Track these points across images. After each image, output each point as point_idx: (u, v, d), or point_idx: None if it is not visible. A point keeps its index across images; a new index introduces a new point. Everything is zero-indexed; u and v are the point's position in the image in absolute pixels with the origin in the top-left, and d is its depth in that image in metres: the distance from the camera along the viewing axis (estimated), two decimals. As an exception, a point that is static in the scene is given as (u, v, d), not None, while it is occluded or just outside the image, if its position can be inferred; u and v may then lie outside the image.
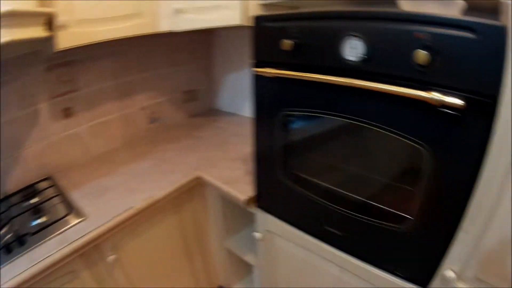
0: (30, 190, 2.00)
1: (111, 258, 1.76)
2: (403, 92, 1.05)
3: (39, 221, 1.71)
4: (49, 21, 1.55)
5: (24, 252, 1.50)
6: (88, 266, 1.69)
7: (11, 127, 1.93)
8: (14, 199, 1.91)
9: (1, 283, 1.36)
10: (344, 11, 1.20)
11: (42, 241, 1.56)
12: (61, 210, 1.80)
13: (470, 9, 1.08)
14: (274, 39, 1.37)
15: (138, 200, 1.85)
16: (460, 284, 1.20)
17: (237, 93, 3.05)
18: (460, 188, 1.10)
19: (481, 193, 1.05)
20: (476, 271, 1.16)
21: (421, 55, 0.98)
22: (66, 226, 1.66)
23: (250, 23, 1.49)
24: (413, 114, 1.10)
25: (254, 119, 1.65)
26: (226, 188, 1.98)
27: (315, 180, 1.63)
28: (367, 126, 1.24)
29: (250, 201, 1.89)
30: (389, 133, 1.18)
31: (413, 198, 1.24)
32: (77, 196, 1.92)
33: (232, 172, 2.13)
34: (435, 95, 0.98)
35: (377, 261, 1.47)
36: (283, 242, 1.88)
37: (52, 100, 2.08)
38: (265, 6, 1.73)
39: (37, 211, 1.78)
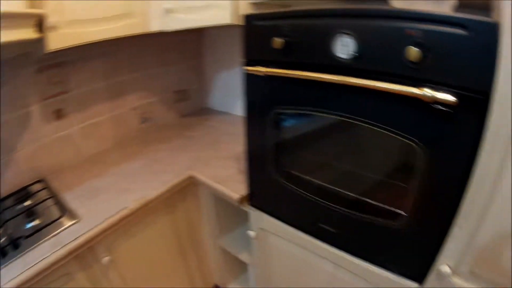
0: (23, 193, 1.99)
1: (105, 259, 1.75)
2: (395, 89, 1.05)
3: (32, 224, 1.71)
4: (40, 22, 1.54)
5: (18, 255, 1.49)
6: (83, 268, 1.69)
7: (2, 129, 1.92)
8: (7, 202, 1.90)
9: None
10: (335, 8, 1.20)
11: (36, 244, 1.56)
12: (54, 212, 1.79)
13: (462, 6, 1.08)
14: (265, 38, 1.37)
15: (131, 201, 1.85)
16: (455, 279, 1.21)
17: (229, 92, 3.04)
18: (454, 184, 1.10)
19: (474, 189, 1.06)
20: (471, 265, 1.16)
21: (413, 52, 0.99)
22: (60, 228, 1.66)
23: (240, 22, 1.48)
24: (406, 111, 1.10)
25: (246, 118, 1.66)
26: (219, 187, 1.98)
27: (308, 177, 1.64)
28: (359, 123, 1.24)
29: (243, 199, 1.90)
30: (382, 130, 1.19)
31: (406, 194, 1.24)
32: (69, 198, 1.91)
33: (225, 171, 2.13)
34: (427, 92, 0.98)
35: (372, 257, 1.47)
36: (277, 240, 1.89)
37: (44, 102, 2.07)
38: (255, 4, 1.73)
39: (30, 213, 1.77)
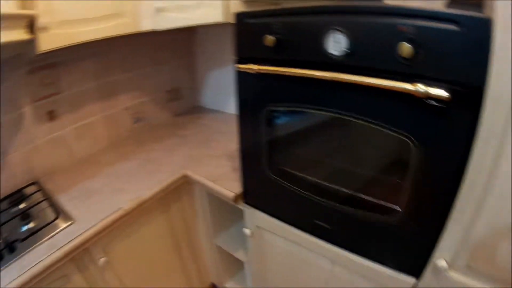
0: (17, 196, 1.98)
1: (101, 260, 1.75)
2: (387, 85, 1.06)
3: (28, 226, 1.70)
4: (31, 23, 1.54)
5: (15, 259, 1.49)
6: (80, 269, 1.69)
7: (-4, 132, 1.91)
8: (2, 206, 1.89)
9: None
10: (327, 6, 1.20)
11: (32, 247, 1.55)
12: (49, 214, 1.78)
13: (454, 2, 1.09)
14: (257, 36, 1.37)
15: (126, 201, 1.85)
16: (452, 273, 1.22)
17: (221, 90, 3.04)
18: (448, 179, 1.11)
19: (469, 183, 1.06)
20: (467, 259, 1.17)
21: (405, 48, 0.99)
22: (55, 230, 1.65)
23: (232, 20, 1.48)
24: (399, 107, 1.11)
25: (239, 116, 1.66)
26: (214, 185, 1.98)
27: (302, 174, 1.64)
28: (353, 120, 1.25)
29: (238, 197, 1.90)
30: (375, 127, 1.19)
31: (401, 190, 1.25)
32: (64, 200, 1.91)
33: (219, 169, 2.13)
34: (420, 87, 0.98)
35: (368, 253, 1.48)
36: (273, 237, 1.89)
37: (36, 103, 2.06)
38: (247, 2, 1.73)
39: (25, 216, 1.76)
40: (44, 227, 1.67)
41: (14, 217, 1.76)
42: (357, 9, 1.12)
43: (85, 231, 1.65)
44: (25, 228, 1.69)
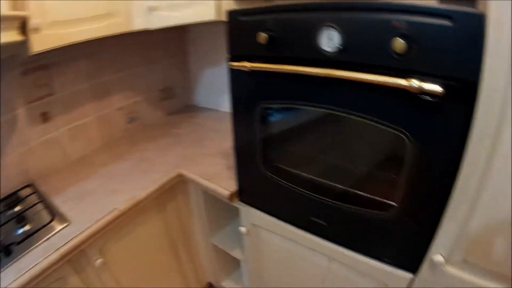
0: (12, 199, 1.97)
1: (98, 262, 1.75)
2: (381, 81, 1.06)
3: (23, 229, 1.69)
4: (23, 25, 1.53)
5: (11, 262, 1.48)
6: (76, 271, 1.68)
7: (-10, 135, 1.90)
8: (-3, 209, 1.89)
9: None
10: (320, 2, 1.20)
11: (28, 250, 1.55)
12: (44, 216, 1.77)
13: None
14: (250, 33, 1.37)
15: (121, 201, 1.84)
16: (448, 268, 1.23)
17: (214, 88, 3.04)
18: (444, 174, 1.12)
19: (464, 178, 1.07)
20: (463, 254, 1.18)
21: (399, 43, 0.99)
22: (51, 232, 1.65)
23: (224, 18, 1.48)
24: (393, 103, 1.11)
25: (233, 114, 1.66)
26: (209, 184, 1.98)
27: (297, 171, 1.65)
28: (347, 116, 1.25)
29: (233, 195, 1.90)
30: (370, 122, 1.19)
31: (396, 185, 1.25)
32: (59, 202, 1.90)
33: (213, 167, 2.13)
34: (414, 83, 0.99)
35: (365, 249, 1.49)
36: (269, 235, 1.89)
37: (29, 105, 2.05)
38: (239, 0, 1.72)
39: (21, 219, 1.75)
40: (39, 229, 1.67)
41: (9, 220, 1.75)
42: (350, 6, 1.12)
43: (81, 232, 1.64)
44: (20, 231, 1.69)
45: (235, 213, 2.04)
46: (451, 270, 1.23)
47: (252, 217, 1.91)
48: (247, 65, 1.41)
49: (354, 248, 1.52)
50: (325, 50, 1.19)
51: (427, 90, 0.98)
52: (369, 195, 1.43)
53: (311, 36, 1.20)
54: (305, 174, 1.62)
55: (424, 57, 0.99)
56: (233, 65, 1.47)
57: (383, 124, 1.17)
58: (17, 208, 1.87)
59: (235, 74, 1.55)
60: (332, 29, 1.14)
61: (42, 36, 1.62)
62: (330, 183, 1.54)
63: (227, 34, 1.49)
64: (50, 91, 2.14)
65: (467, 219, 1.11)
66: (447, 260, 1.22)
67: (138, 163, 2.27)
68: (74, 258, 1.64)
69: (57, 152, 2.27)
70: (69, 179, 2.13)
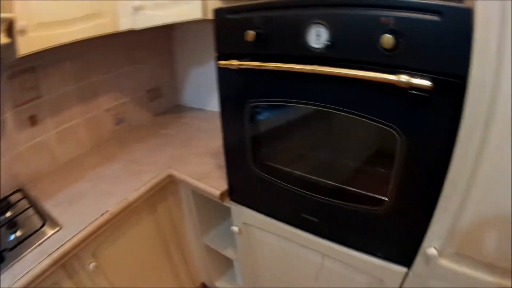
0: (3, 204, 1.94)
1: (91, 265, 1.74)
2: (370, 76, 1.06)
3: (15, 235, 1.69)
4: (9, 27, 1.52)
5: (4, 269, 1.47)
6: (70, 276, 1.68)
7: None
8: (-12, 215, 1.87)
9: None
10: (307, -1, 1.21)
11: (21, 256, 1.53)
12: (35, 221, 1.76)
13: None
14: (237, 31, 1.37)
15: (112, 204, 1.84)
16: (442, 261, 1.24)
17: (201, 88, 3.04)
18: (434, 168, 1.12)
19: (455, 171, 1.08)
20: (456, 247, 1.19)
21: (387, 39, 1.00)
22: (43, 238, 1.63)
23: (211, 16, 1.48)
24: (383, 98, 1.12)
25: (222, 113, 1.65)
26: (199, 184, 1.98)
27: (287, 169, 1.65)
28: (337, 112, 1.25)
29: (224, 195, 1.90)
30: (360, 118, 1.20)
31: (387, 180, 1.26)
32: (50, 206, 1.89)
33: (203, 167, 2.13)
34: (403, 77, 0.99)
35: (358, 244, 1.49)
36: (261, 234, 1.89)
37: (17, 109, 2.03)
38: (225, -1, 1.73)
39: (12, 225, 1.74)
40: (31, 235, 1.65)
41: (1, 226, 1.73)
42: (338, 2, 1.12)
43: (73, 236, 1.63)
44: (12, 237, 1.68)
45: (227, 212, 2.04)
46: (445, 263, 1.24)
47: (243, 216, 1.91)
48: (235, 63, 1.41)
49: (347, 244, 1.52)
50: (313, 47, 1.19)
51: (415, 84, 0.98)
52: (360, 191, 1.43)
53: (299, 33, 1.20)
54: (296, 172, 1.62)
55: (413, 52, 1.00)
56: (221, 64, 1.46)
57: (373, 120, 1.17)
58: (8, 214, 1.86)
59: (223, 73, 1.54)
60: (320, 25, 1.14)
61: (28, 38, 1.60)
62: (321, 179, 1.54)
63: (214, 32, 1.48)
64: (37, 94, 2.13)
65: (459, 212, 1.12)
66: (441, 253, 1.22)
67: (127, 164, 2.27)
68: (68, 262, 1.63)
69: (46, 155, 2.25)
70: (59, 183, 2.11)
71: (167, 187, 2.17)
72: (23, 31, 1.57)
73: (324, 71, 1.16)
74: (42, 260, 1.51)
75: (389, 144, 1.18)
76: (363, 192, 1.42)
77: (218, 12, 1.44)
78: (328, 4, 1.14)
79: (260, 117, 1.58)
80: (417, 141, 1.11)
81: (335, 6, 1.12)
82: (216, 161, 2.14)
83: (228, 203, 1.94)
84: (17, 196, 2.02)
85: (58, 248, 1.57)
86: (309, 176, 1.58)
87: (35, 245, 1.59)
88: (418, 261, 1.31)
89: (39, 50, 1.67)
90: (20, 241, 1.61)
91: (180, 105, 3.30)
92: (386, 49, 1.02)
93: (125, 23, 2.06)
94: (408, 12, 0.97)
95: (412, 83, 0.98)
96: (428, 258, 1.25)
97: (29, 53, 1.62)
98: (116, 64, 2.61)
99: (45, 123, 2.21)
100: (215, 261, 2.61)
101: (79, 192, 2.00)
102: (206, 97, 3.02)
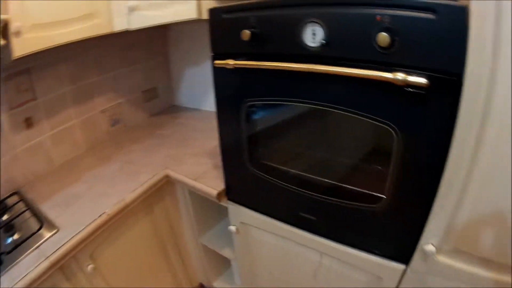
0: (-1, 208, 1.94)
1: (89, 267, 1.74)
2: (366, 75, 1.06)
3: (12, 238, 1.68)
4: (4, 29, 1.51)
5: (2, 272, 1.46)
6: (68, 278, 1.67)
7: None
8: (-15, 219, 1.86)
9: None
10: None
11: (19, 259, 1.53)
12: (33, 224, 1.75)
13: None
14: (233, 30, 1.36)
15: (109, 205, 1.83)
16: (440, 257, 1.24)
17: (196, 88, 3.04)
18: (431, 165, 1.13)
19: (452, 168, 1.08)
20: (454, 243, 1.19)
21: (383, 37, 1.00)
22: (40, 240, 1.63)
23: (206, 16, 1.48)
24: (380, 96, 1.12)
25: (218, 112, 1.65)
26: (196, 184, 1.97)
27: (284, 168, 1.65)
28: (333, 110, 1.25)
29: (221, 194, 1.90)
30: (356, 116, 1.20)
31: (384, 177, 1.26)
32: (46, 208, 1.88)
33: (199, 167, 2.13)
34: (399, 75, 0.99)
35: (356, 242, 1.49)
36: (259, 233, 1.89)
37: (13, 111, 2.02)
38: (220, -1, 1.72)
39: (9, 228, 1.73)
40: (29, 237, 1.65)
41: (-2, 230, 1.73)
42: (333, 1, 1.12)
43: (70, 238, 1.63)
44: (9, 240, 1.67)
45: (224, 212, 2.04)
46: (443, 259, 1.24)
47: (241, 215, 1.91)
48: (230, 62, 1.40)
49: (345, 242, 1.53)
50: (309, 46, 1.19)
51: (412, 82, 0.99)
52: (357, 189, 1.43)
53: (295, 32, 1.20)
54: (293, 170, 1.62)
55: (409, 50, 1.00)
56: (216, 63, 1.46)
57: (369, 118, 1.17)
58: (4, 217, 1.85)
59: (219, 72, 1.54)
60: (316, 24, 1.14)
61: (23, 39, 1.60)
62: (318, 178, 1.54)
63: (209, 32, 1.48)
64: (33, 96, 2.12)
65: (456, 209, 1.12)
66: (438, 250, 1.23)
67: (124, 165, 2.26)
68: (65, 265, 1.63)
69: (42, 158, 2.25)
70: (55, 185, 2.11)
71: (164, 187, 2.17)
72: (18, 33, 1.56)
73: (320, 69, 1.16)
74: (40, 263, 1.50)
75: (386, 141, 1.18)
76: (361, 189, 1.42)
77: (213, 12, 1.43)
78: (324, 3, 1.14)
79: (257, 116, 1.59)
80: (413, 138, 1.12)
81: (331, 5, 1.12)
82: (213, 161, 2.14)
83: (225, 202, 1.94)
84: (14, 199, 2.01)
85: (55, 251, 1.56)
86: (306, 174, 1.58)
87: (32, 248, 1.59)
88: (416, 258, 1.31)
89: (34, 52, 1.66)
90: (17, 244, 1.61)
91: (175, 106, 3.30)
92: (382, 47, 1.02)
93: (120, 24, 2.06)
94: (404, 10, 0.97)
95: (408, 81, 0.99)
96: (426, 255, 1.25)
97: (24, 55, 1.62)
98: (111, 65, 2.61)
99: (40, 125, 2.20)
100: (213, 261, 2.60)
101: (75, 194, 1.99)
102: (202, 97, 3.02)
